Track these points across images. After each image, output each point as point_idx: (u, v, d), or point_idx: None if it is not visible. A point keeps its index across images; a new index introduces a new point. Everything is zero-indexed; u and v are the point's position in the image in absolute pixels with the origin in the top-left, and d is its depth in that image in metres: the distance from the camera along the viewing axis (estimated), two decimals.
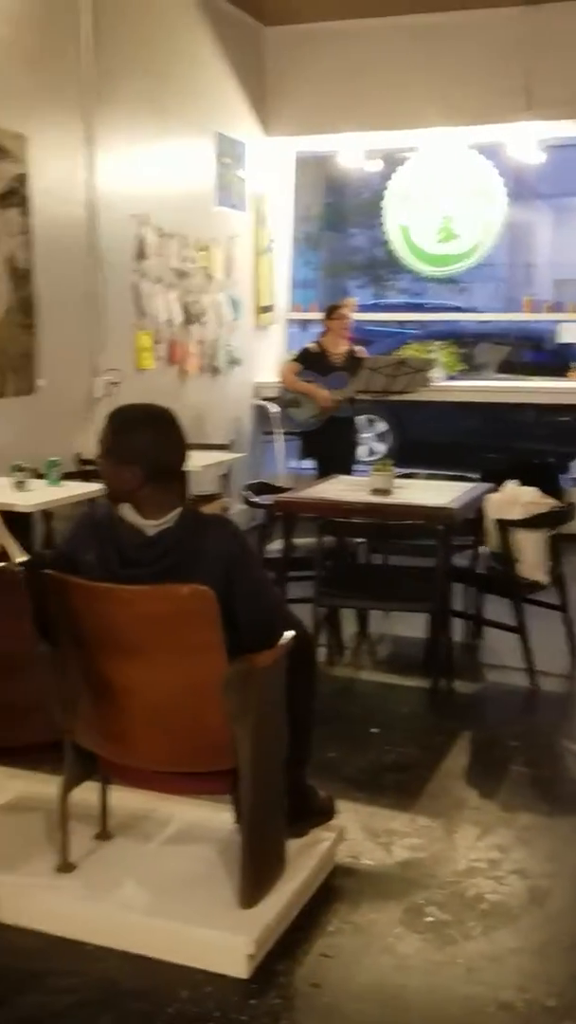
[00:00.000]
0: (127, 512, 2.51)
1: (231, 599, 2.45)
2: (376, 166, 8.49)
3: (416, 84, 7.15)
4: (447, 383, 7.94)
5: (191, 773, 2.60)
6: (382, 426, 9.30)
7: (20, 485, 4.47)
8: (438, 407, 8.20)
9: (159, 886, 2.66)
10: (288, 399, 6.59)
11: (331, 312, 6.59)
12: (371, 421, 9.16)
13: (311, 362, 6.48)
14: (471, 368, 9.15)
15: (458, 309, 12.06)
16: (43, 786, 3.03)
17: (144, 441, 2.50)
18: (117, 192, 5.86)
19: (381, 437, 9.32)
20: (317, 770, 3.11)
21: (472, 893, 2.81)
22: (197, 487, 5.37)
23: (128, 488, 2.49)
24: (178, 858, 2.79)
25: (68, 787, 2.65)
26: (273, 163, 7.90)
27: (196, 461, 5.38)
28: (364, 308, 10.05)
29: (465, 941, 2.60)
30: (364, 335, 8.90)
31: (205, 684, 2.41)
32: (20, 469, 4.50)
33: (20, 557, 3.76)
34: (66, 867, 2.70)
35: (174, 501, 2.52)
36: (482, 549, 4.72)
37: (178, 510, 2.51)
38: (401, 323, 10.50)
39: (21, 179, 5.07)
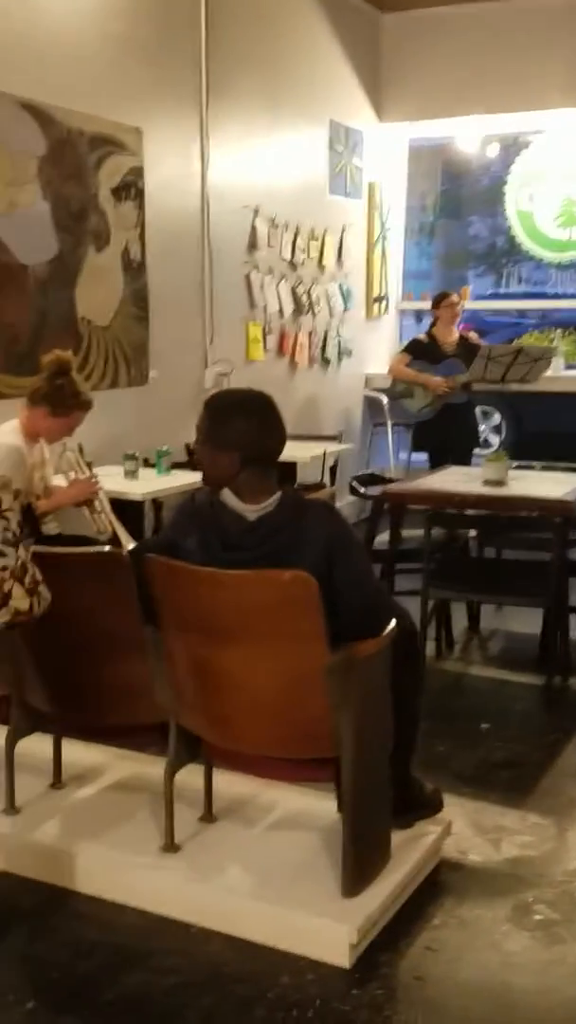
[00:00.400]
0: (228, 498, 2.51)
1: (332, 584, 2.43)
2: (493, 151, 8.31)
3: (538, 66, 6.99)
4: (567, 372, 7.72)
5: (294, 759, 2.59)
6: (497, 418, 9.10)
7: (131, 474, 4.55)
8: (557, 398, 7.97)
9: (263, 871, 2.66)
10: (400, 390, 6.50)
11: (439, 301, 6.46)
12: (486, 413, 8.98)
13: (422, 352, 6.37)
14: None
15: None
16: (150, 767, 3.08)
17: (242, 427, 2.49)
18: (230, 183, 5.90)
19: (496, 429, 9.13)
20: (425, 764, 3.08)
21: None
22: (304, 478, 5.38)
23: (226, 474, 2.49)
24: (282, 844, 2.79)
25: (173, 769, 2.68)
26: (387, 151, 7.83)
27: (304, 452, 5.43)
28: (482, 297, 9.86)
29: (575, 941, 2.51)
30: (482, 325, 8.73)
31: (307, 672, 2.39)
32: (131, 458, 4.58)
33: (129, 544, 3.83)
34: (171, 848, 2.72)
35: (273, 486, 2.52)
36: None
37: (278, 494, 2.49)
38: (521, 312, 10.25)
39: (137, 172, 5.16)
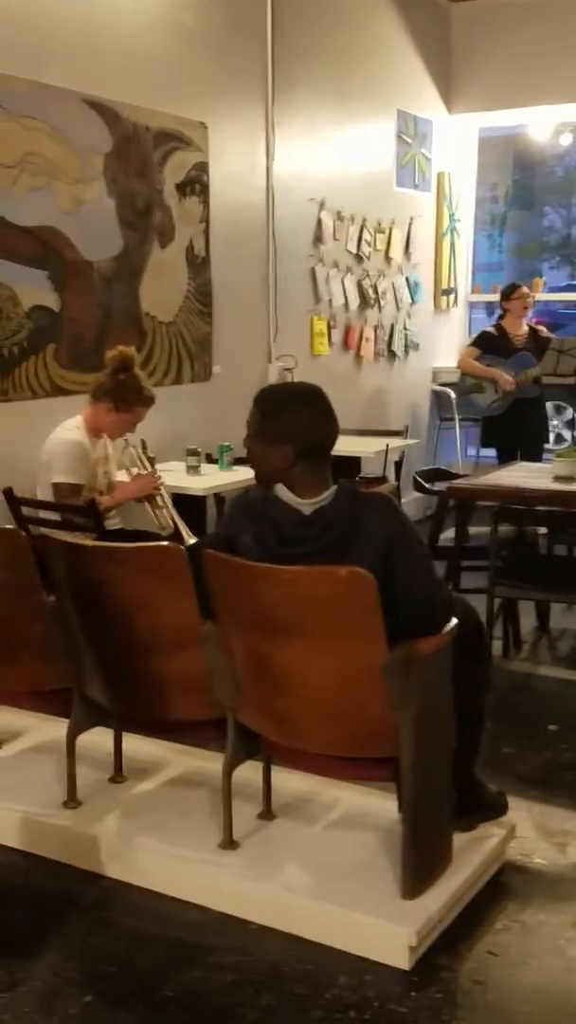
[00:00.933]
0: (282, 492, 2.48)
1: (391, 579, 2.38)
2: (566, 140, 8.14)
3: None
4: None
5: (353, 758, 2.55)
6: (570, 413, 8.91)
7: (193, 469, 4.56)
8: None
9: (321, 870, 2.63)
10: (469, 385, 6.41)
11: (509, 293, 6.36)
12: (559, 408, 8.80)
13: (491, 345, 6.28)
14: None
15: None
16: (209, 763, 3.08)
17: (293, 420, 2.46)
18: (295, 177, 5.87)
19: (569, 424, 8.93)
20: (490, 766, 3.02)
21: None
22: (368, 472, 5.32)
23: (279, 468, 2.46)
24: (341, 843, 2.75)
25: (231, 765, 2.66)
26: (456, 141, 7.72)
27: (368, 447, 5.38)
28: (557, 289, 9.66)
29: None
30: (557, 318, 8.55)
31: (365, 669, 2.36)
32: (194, 453, 4.59)
33: (191, 539, 3.84)
34: (230, 844, 2.71)
35: (327, 479, 2.48)
36: None
37: (333, 488, 2.46)
38: None
39: (202, 167, 5.16)
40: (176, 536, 3.93)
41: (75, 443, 3.85)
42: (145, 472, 4.08)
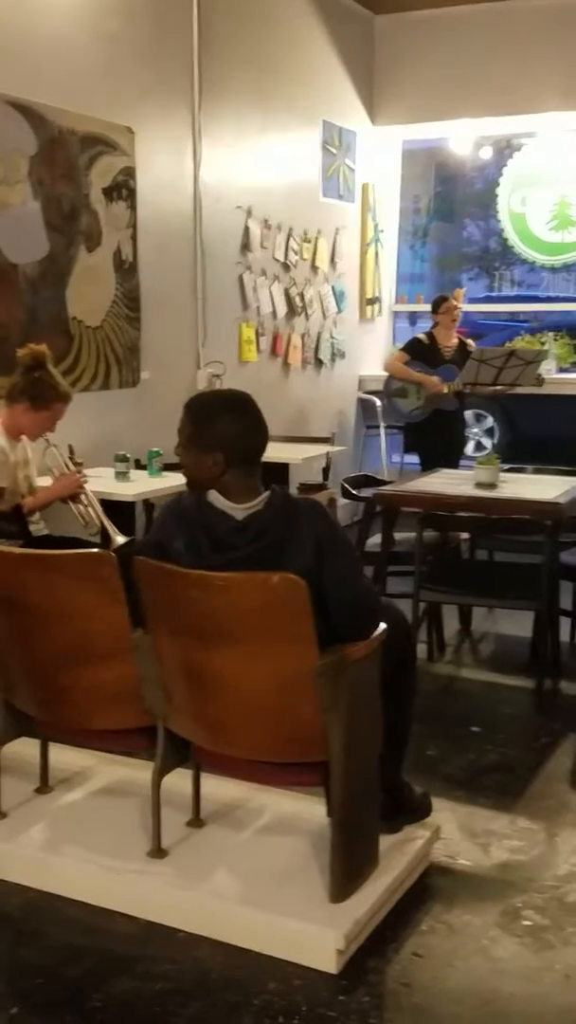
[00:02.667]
0: (215, 498, 2.50)
1: (322, 584, 2.41)
2: (486, 153, 8.32)
3: (531, 68, 6.99)
4: (559, 375, 7.72)
5: (283, 764, 2.57)
6: (489, 421, 9.10)
7: (123, 475, 4.53)
8: (549, 401, 7.96)
9: (250, 876, 2.64)
10: (395, 389, 6.49)
11: (438, 305, 6.43)
12: (479, 417, 8.97)
13: (421, 353, 6.36)
14: None
15: (574, 300, 11.70)
16: (137, 771, 3.06)
17: (224, 427, 2.48)
18: (223, 184, 5.88)
19: (489, 432, 9.12)
20: (415, 767, 3.06)
21: (573, 898, 2.71)
22: (299, 479, 5.36)
23: (211, 475, 2.47)
24: (270, 849, 2.77)
25: (161, 773, 2.66)
26: (380, 153, 7.82)
27: (297, 454, 5.42)
28: (476, 300, 9.86)
29: (564, 947, 2.50)
30: (475, 328, 8.71)
31: (297, 674, 2.38)
32: (123, 459, 4.56)
33: (118, 537, 3.82)
34: (158, 853, 2.70)
35: (258, 485, 2.50)
36: None
37: (266, 493, 2.48)
38: (514, 315, 10.26)
39: (129, 172, 5.14)
40: (103, 534, 3.90)
41: None
42: (68, 472, 4.04)
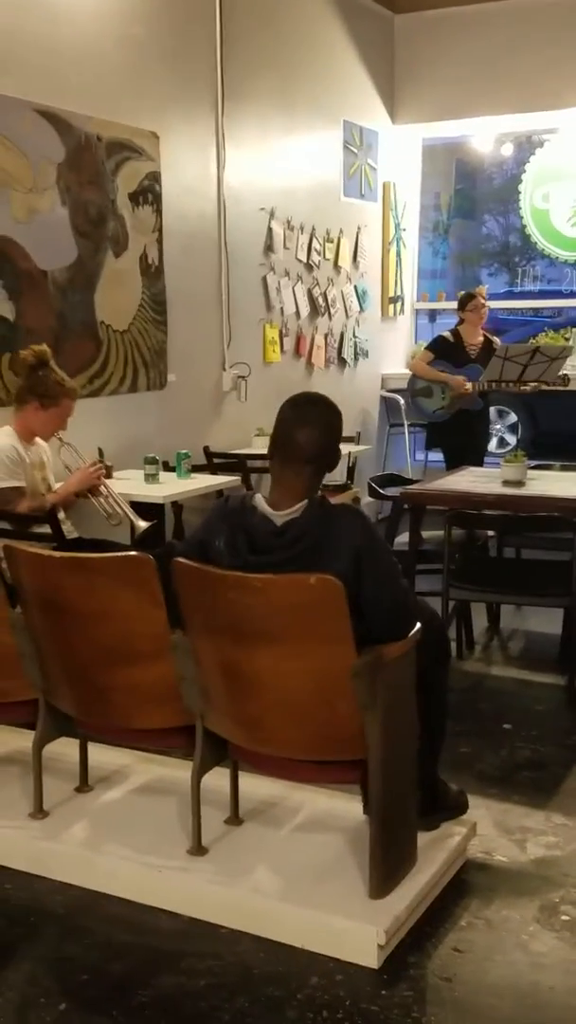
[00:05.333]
0: (259, 502, 2.53)
1: (360, 589, 2.44)
2: (507, 150, 8.31)
3: (551, 64, 6.98)
4: None
5: (321, 762, 2.60)
6: (512, 417, 9.10)
7: (152, 478, 4.58)
8: (572, 396, 7.94)
9: (290, 873, 2.67)
10: (419, 388, 6.49)
11: (466, 302, 6.36)
12: (501, 413, 8.97)
13: (446, 352, 6.33)
14: None
15: None
16: (175, 770, 3.11)
17: (277, 420, 2.55)
18: (246, 186, 5.92)
19: (512, 428, 9.12)
20: (449, 765, 3.09)
21: None
22: (327, 478, 5.38)
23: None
24: (308, 846, 2.80)
25: (200, 772, 2.69)
26: (401, 151, 7.83)
27: None
28: (497, 296, 9.85)
29: None
30: (497, 324, 8.71)
31: (334, 674, 2.41)
32: (152, 462, 4.60)
33: (141, 523, 3.87)
34: (199, 850, 2.74)
35: (304, 492, 2.53)
36: None
37: (305, 501, 2.51)
38: (536, 311, 10.24)
39: (154, 177, 5.18)
40: (131, 528, 3.95)
41: (8, 447, 3.85)
42: (83, 465, 4.10)
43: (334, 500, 2.61)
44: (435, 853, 2.73)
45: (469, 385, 6.17)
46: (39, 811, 2.95)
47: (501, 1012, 2.29)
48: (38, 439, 3.98)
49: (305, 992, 2.35)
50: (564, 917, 2.63)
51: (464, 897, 2.72)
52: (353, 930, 2.46)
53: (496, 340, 6.49)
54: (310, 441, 2.52)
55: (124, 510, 4.01)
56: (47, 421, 3.93)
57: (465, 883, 2.79)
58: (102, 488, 4.05)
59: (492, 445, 8.37)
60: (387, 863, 2.56)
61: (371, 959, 2.43)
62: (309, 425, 2.53)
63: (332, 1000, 2.32)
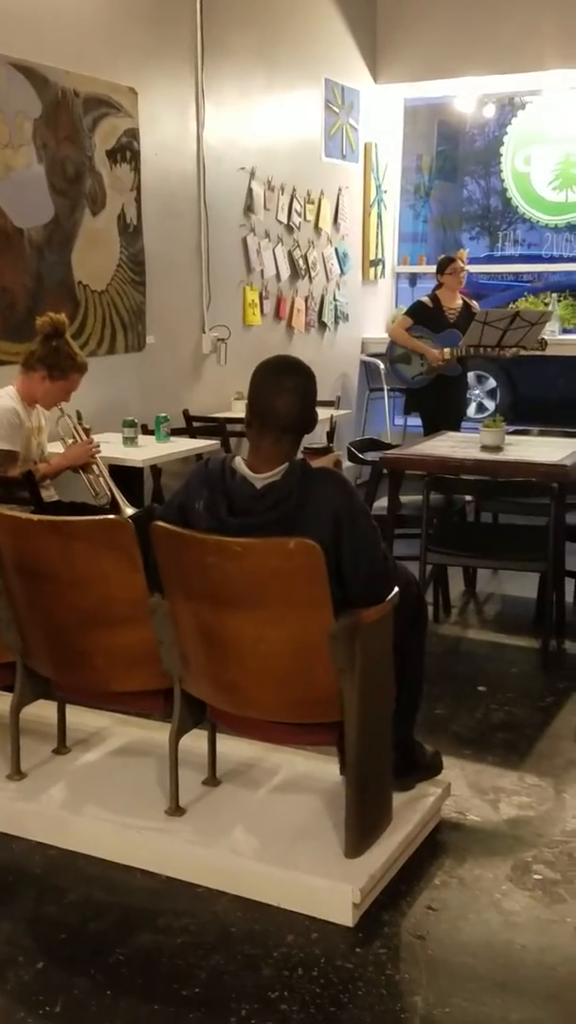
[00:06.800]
0: (239, 464, 2.53)
1: (339, 552, 2.45)
2: (489, 112, 8.24)
3: (534, 26, 6.89)
4: (562, 336, 7.70)
5: (298, 724, 2.62)
6: (491, 382, 9.10)
7: (130, 441, 4.55)
8: (551, 362, 7.94)
9: (267, 833, 2.70)
10: (397, 354, 6.47)
11: (444, 266, 6.33)
12: (480, 378, 8.97)
13: (425, 317, 6.30)
14: None
15: None
16: (153, 732, 3.12)
17: (251, 383, 2.54)
18: (226, 145, 5.84)
19: (491, 394, 9.12)
20: (424, 727, 3.12)
21: None
22: (305, 442, 5.37)
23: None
24: (285, 806, 2.83)
25: (179, 734, 2.71)
26: (383, 111, 7.74)
27: None
28: (477, 260, 9.80)
29: (574, 900, 2.57)
30: (477, 289, 8.67)
31: (312, 637, 2.42)
32: (131, 425, 4.57)
33: (127, 508, 3.84)
34: (176, 811, 2.76)
35: (284, 456, 2.52)
36: None
37: (285, 464, 2.50)
38: (516, 275, 10.20)
39: (133, 134, 5.10)
40: (112, 504, 3.93)
41: (10, 410, 3.81)
42: (81, 440, 4.06)
43: (315, 463, 2.61)
44: (410, 813, 2.77)
45: (447, 352, 6.15)
46: (16, 772, 2.96)
47: (474, 970, 2.33)
48: (38, 405, 3.95)
49: (281, 950, 2.38)
50: (536, 876, 2.67)
51: (438, 856, 2.77)
52: (329, 889, 2.49)
53: (475, 304, 6.48)
54: (288, 409, 2.51)
55: (113, 492, 3.98)
56: (52, 392, 3.89)
57: (439, 843, 2.83)
58: (94, 467, 4.02)
59: (471, 410, 8.38)
60: (363, 823, 2.59)
61: (346, 917, 2.47)
62: (287, 392, 2.52)
63: (307, 958, 2.36)
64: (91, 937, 2.44)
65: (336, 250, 7.14)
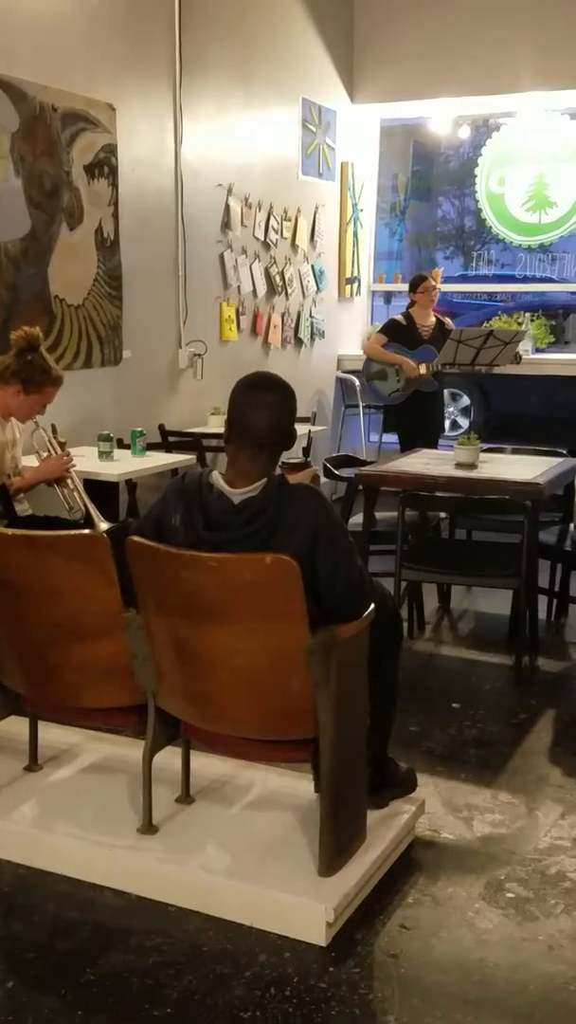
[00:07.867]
0: (216, 479, 2.52)
1: (316, 569, 2.44)
2: (464, 133, 8.32)
3: (510, 48, 6.99)
4: (536, 356, 7.77)
5: (273, 740, 2.61)
6: (465, 400, 9.16)
7: (106, 455, 4.53)
8: (525, 380, 8.02)
9: (240, 851, 2.68)
10: (373, 371, 6.51)
11: (417, 284, 6.42)
12: (455, 396, 9.02)
13: (399, 334, 6.36)
14: (562, 341, 8.92)
15: (549, 280, 11.76)
16: (126, 749, 3.10)
17: (230, 401, 2.53)
18: (203, 161, 5.85)
19: (465, 411, 9.18)
20: (398, 743, 3.11)
21: (554, 871, 2.78)
22: (282, 457, 5.38)
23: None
24: (258, 824, 2.81)
25: (152, 751, 2.69)
26: (359, 131, 7.80)
27: None
28: (451, 279, 9.88)
29: (546, 918, 2.57)
30: (452, 307, 8.74)
31: (288, 653, 2.41)
32: (106, 439, 4.56)
33: (101, 523, 3.83)
34: (149, 829, 2.74)
35: (262, 472, 2.52)
36: (572, 526, 4.62)
37: (263, 480, 2.50)
38: (490, 295, 10.30)
39: (111, 149, 5.10)
40: (87, 519, 3.91)
41: None
42: (56, 454, 4.04)
43: (293, 478, 2.61)
44: (384, 831, 2.76)
45: (423, 368, 6.20)
46: None
47: (446, 988, 2.33)
48: (12, 418, 3.92)
49: (253, 969, 2.36)
50: (509, 894, 2.67)
51: (412, 874, 2.76)
52: (302, 908, 2.48)
53: (448, 321, 6.54)
54: (267, 425, 2.51)
55: (88, 507, 3.96)
56: (27, 405, 3.87)
57: (413, 860, 2.82)
58: (69, 481, 4.00)
59: (446, 427, 8.43)
60: (337, 841, 2.58)
61: (319, 936, 2.45)
62: (266, 408, 2.52)
63: (280, 977, 2.34)
64: (61, 956, 2.41)
65: (312, 267, 7.17)
